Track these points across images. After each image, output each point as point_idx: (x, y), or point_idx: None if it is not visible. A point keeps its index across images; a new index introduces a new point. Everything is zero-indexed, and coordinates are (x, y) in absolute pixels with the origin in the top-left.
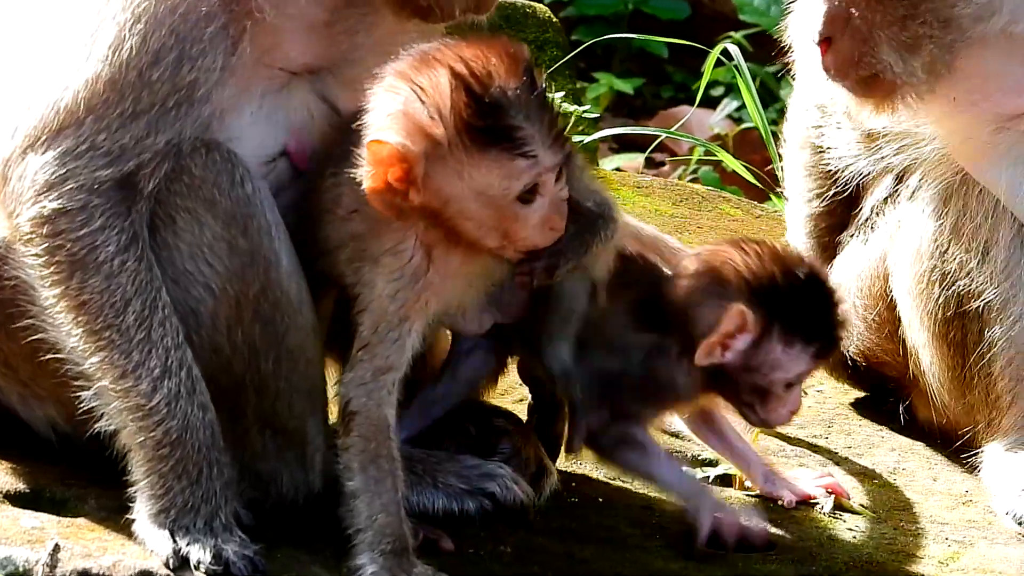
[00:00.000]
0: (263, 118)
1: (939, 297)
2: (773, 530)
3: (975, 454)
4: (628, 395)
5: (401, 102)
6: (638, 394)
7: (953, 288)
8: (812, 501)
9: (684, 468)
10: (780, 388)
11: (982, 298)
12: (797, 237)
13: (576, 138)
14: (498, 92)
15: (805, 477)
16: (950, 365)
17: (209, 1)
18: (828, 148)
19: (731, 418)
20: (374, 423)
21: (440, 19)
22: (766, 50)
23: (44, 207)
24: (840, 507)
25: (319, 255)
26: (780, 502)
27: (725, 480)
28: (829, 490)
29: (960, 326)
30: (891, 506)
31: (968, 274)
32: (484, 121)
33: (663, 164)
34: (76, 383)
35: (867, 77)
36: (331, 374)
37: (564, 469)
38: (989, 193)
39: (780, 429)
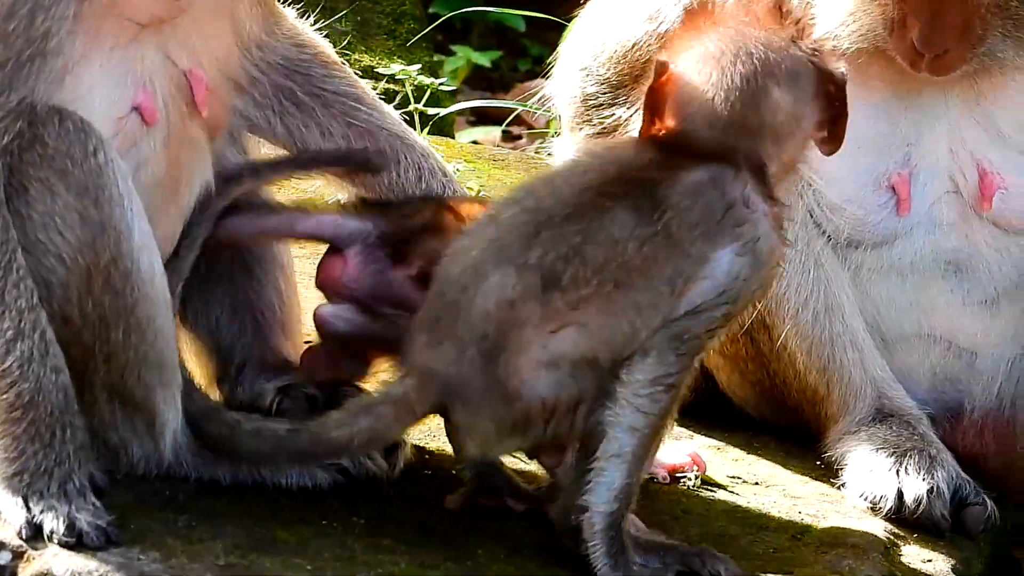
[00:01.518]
0: (113, 71)
1: None
2: None
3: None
4: None
5: None
6: None
7: None
8: (679, 474)
9: None
10: None
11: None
12: None
13: (432, 111)
14: None
15: (668, 449)
16: (755, 380)
17: None
18: None
19: None
20: None
21: None
22: None
23: None
24: (704, 481)
25: None
26: (655, 478)
27: None
28: (693, 462)
29: (750, 340)
30: (745, 480)
31: None
32: None
33: (520, 137)
34: None
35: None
36: (184, 347)
37: (418, 443)
38: None
39: None
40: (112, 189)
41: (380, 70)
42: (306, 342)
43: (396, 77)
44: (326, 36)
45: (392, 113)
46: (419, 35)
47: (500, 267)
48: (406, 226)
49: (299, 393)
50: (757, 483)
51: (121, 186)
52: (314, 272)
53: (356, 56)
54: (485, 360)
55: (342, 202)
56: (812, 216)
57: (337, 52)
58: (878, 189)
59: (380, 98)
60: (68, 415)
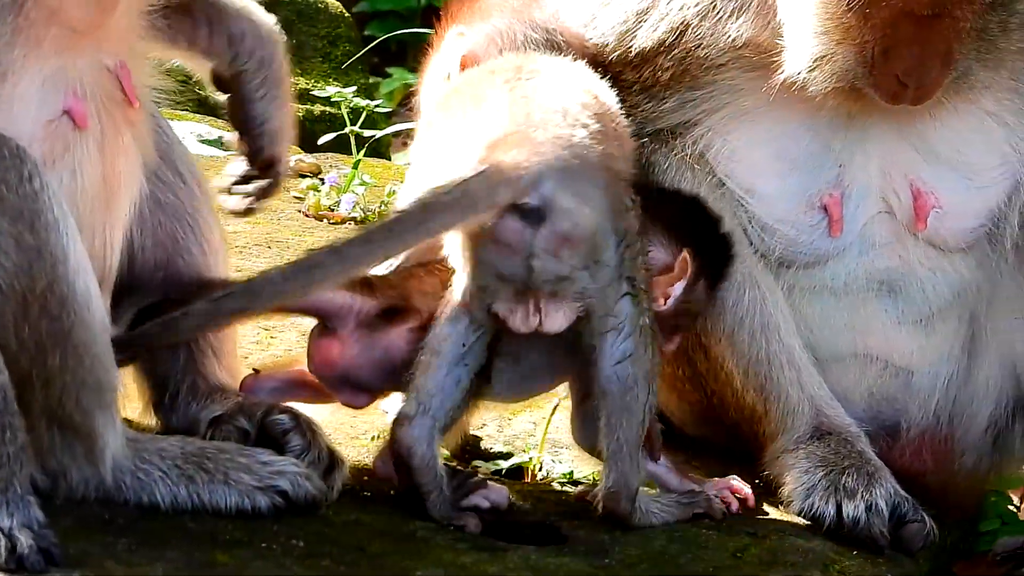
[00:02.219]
0: (48, 78)
1: None
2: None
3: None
4: None
5: None
6: None
7: None
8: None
9: None
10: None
11: (697, 325)
12: None
13: (369, 133)
14: None
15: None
16: (693, 400)
17: None
18: None
19: None
20: None
21: None
22: None
23: None
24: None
25: None
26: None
27: (516, 473)
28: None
29: (687, 360)
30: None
31: None
32: None
33: None
34: None
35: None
36: (125, 371)
37: (356, 464)
38: None
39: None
40: (47, 214)
41: (316, 92)
42: (254, 369)
43: (332, 99)
44: None
45: None
46: (354, 57)
47: None
48: (395, 295)
49: (231, 426)
50: None
51: (56, 211)
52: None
53: (292, 79)
54: None
55: None
56: (746, 234)
57: None
58: (810, 210)
59: (317, 121)
60: (7, 415)
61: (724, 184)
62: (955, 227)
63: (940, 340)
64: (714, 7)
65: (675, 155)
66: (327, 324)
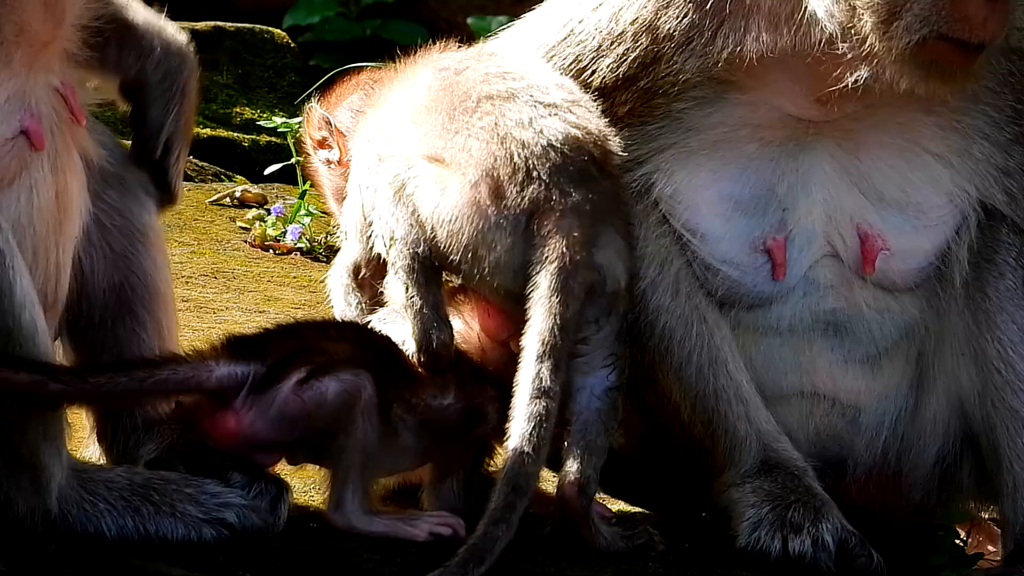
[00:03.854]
0: (10, 97)
1: None
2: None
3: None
4: None
5: None
6: None
7: None
8: None
9: None
10: None
11: (644, 356)
12: None
13: None
14: None
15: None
16: (640, 434)
17: None
18: None
19: None
20: None
21: None
22: None
23: None
24: None
25: None
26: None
27: None
28: None
29: (635, 394)
30: (634, 531)
31: None
32: None
33: None
34: None
35: None
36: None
37: (302, 499)
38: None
39: None
40: None
41: (262, 123)
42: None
43: (278, 130)
44: (207, 90)
45: None
46: (301, 88)
47: None
48: (282, 351)
49: (167, 467)
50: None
51: (1, 243)
52: (194, 324)
53: (238, 109)
54: None
55: (208, 347)
56: (692, 269)
57: (217, 106)
58: (753, 252)
59: (263, 151)
60: None
61: (667, 221)
62: (903, 268)
63: (887, 378)
64: (695, 32)
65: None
66: (218, 398)
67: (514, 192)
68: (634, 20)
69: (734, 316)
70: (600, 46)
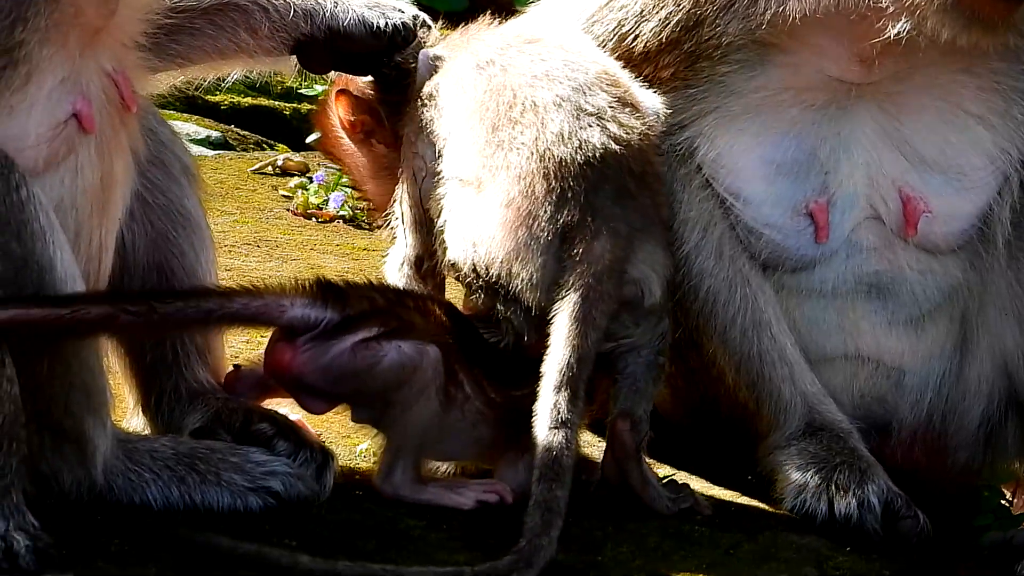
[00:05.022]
0: (65, 79)
1: None
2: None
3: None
4: None
5: None
6: None
7: None
8: None
9: None
10: None
11: (688, 320)
12: None
13: None
14: None
15: None
16: (686, 398)
17: None
18: None
19: None
20: None
21: None
22: None
23: None
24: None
25: None
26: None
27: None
28: None
29: (680, 358)
30: (680, 495)
31: None
32: None
33: None
34: None
35: None
36: (111, 369)
37: (348, 466)
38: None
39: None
40: (34, 224)
41: (304, 91)
42: (235, 365)
43: (320, 98)
44: None
45: None
46: None
47: None
48: (365, 307)
49: (212, 437)
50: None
51: (43, 220)
52: (238, 281)
53: (279, 78)
54: None
55: (294, 284)
56: (735, 233)
57: (257, 77)
58: (796, 216)
59: (305, 120)
60: (17, 426)
61: (711, 185)
62: (946, 230)
63: (931, 340)
64: None
65: (667, 156)
66: (288, 333)
67: (548, 211)
68: None
69: (777, 279)
70: (642, 11)
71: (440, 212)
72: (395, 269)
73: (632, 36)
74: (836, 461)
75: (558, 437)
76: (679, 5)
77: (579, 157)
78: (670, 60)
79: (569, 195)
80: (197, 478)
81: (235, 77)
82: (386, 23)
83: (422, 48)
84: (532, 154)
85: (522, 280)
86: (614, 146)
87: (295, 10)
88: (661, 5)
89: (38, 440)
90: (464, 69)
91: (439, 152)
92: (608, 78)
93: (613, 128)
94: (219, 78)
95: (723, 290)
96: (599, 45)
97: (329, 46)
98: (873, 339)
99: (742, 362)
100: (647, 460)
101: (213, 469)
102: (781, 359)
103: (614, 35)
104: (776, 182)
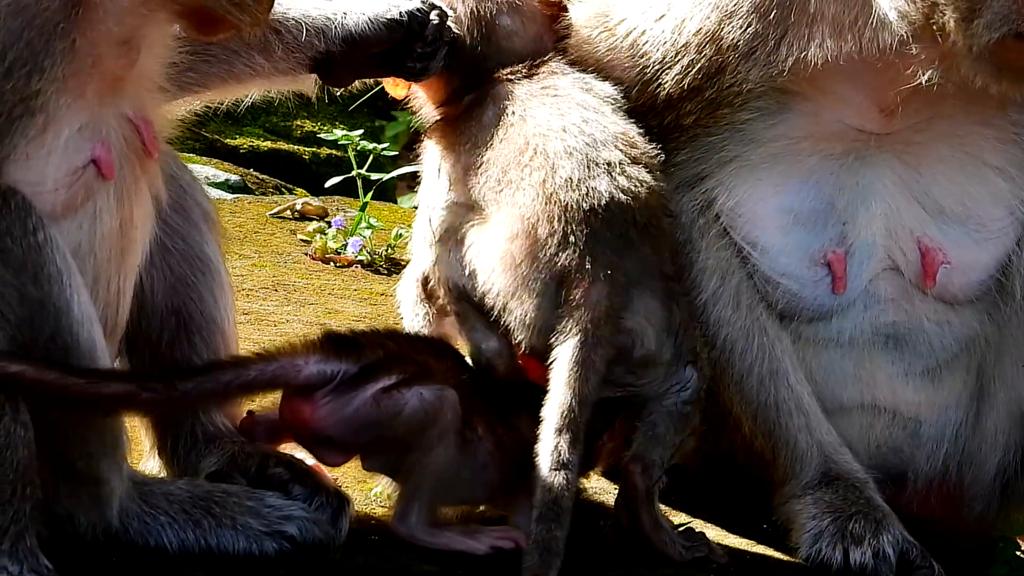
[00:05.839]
0: (83, 126)
1: None
2: None
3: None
4: None
5: None
6: None
7: None
8: None
9: None
10: None
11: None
12: None
13: (375, 176)
14: None
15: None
16: (702, 446)
17: (54, 11)
18: None
19: None
20: None
21: (222, 32)
22: None
23: None
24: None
25: None
26: None
27: None
28: None
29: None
30: (695, 543)
31: None
32: None
33: None
34: None
35: None
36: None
37: (363, 511)
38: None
39: None
40: (51, 267)
41: (323, 136)
42: (249, 411)
43: (339, 143)
44: (268, 103)
45: None
46: (360, 100)
47: None
48: (379, 355)
49: (228, 480)
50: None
51: (60, 263)
52: (254, 337)
53: (298, 122)
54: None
55: (305, 342)
56: (753, 282)
57: (278, 119)
58: (813, 266)
59: (323, 164)
60: (30, 472)
61: (728, 235)
62: (964, 281)
63: (947, 391)
64: (759, 41)
65: (686, 206)
66: (300, 389)
67: (548, 254)
68: (698, 31)
69: (794, 329)
70: (664, 58)
71: (446, 235)
72: (406, 288)
73: (655, 84)
74: (852, 511)
75: (559, 479)
76: (701, 52)
77: (584, 204)
78: (692, 107)
79: (571, 239)
80: (213, 521)
81: (252, 99)
82: (399, 12)
83: (441, 35)
84: (539, 195)
85: (516, 318)
86: (621, 196)
87: (307, 29)
88: (683, 53)
89: (53, 483)
90: (484, 104)
91: (453, 179)
92: (625, 139)
93: (622, 180)
94: (237, 101)
95: (740, 339)
96: (624, 91)
97: (348, 57)
98: (890, 390)
99: (759, 411)
100: (663, 507)
101: (229, 513)
102: (798, 408)
103: (637, 82)
104: (794, 232)
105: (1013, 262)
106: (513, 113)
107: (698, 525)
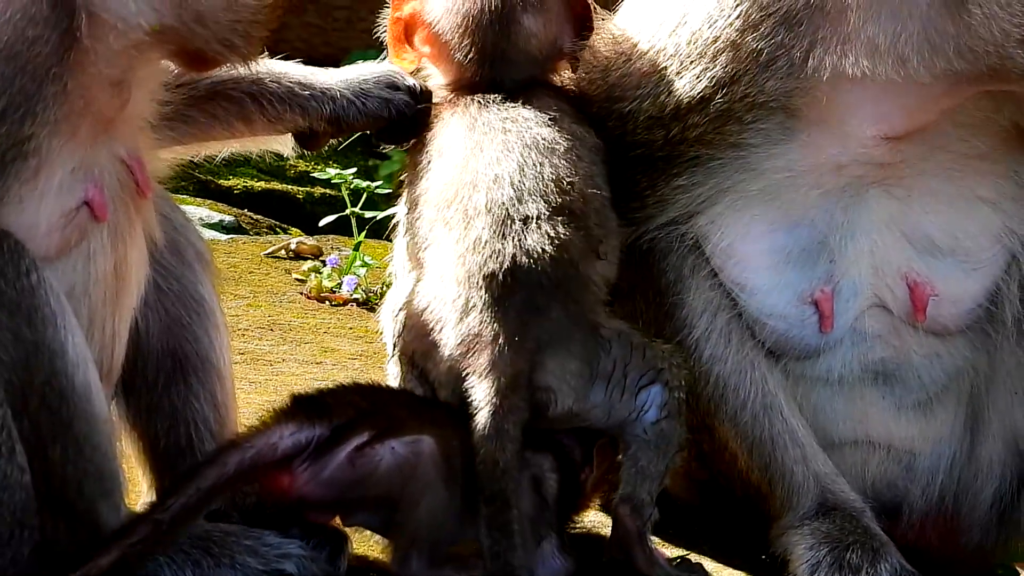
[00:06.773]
0: (75, 169)
1: None
2: None
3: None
4: None
5: None
6: None
7: None
8: None
9: None
10: None
11: (700, 404)
12: None
13: (370, 214)
14: None
15: None
16: (699, 480)
17: (46, 55)
18: None
19: None
20: None
21: (212, 68)
22: None
23: None
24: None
25: None
26: None
27: None
28: None
29: (692, 441)
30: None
31: None
32: None
33: None
34: None
35: None
36: (124, 453)
37: (361, 547)
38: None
39: None
40: (44, 309)
41: (317, 175)
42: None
43: (332, 181)
44: None
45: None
46: (351, 138)
47: None
48: (348, 420)
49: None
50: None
51: (54, 304)
52: (251, 376)
53: (291, 162)
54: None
55: (275, 414)
56: (743, 319)
57: (272, 159)
58: (801, 305)
59: (317, 203)
60: (29, 515)
61: (716, 276)
62: (953, 312)
63: (940, 422)
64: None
65: (676, 244)
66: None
67: (454, 320)
68: (715, 38)
69: (784, 366)
70: (678, 65)
71: (400, 265)
72: (387, 314)
73: (665, 92)
74: (849, 540)
75: (494, 544)
76: (715, 61)
77: (487, 268)
78: (699, 119)
79: (473, 304)
80: (211, 561)
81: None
82: (390, 112)
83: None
84: (452, 256)
85: (435, 375)
86: (525, 260)
87: (290, 105)
88: (697, 61)
89: (52, 524)
90: (445, 131)
91: (404, 223)
92: (558, 186)
93: (531, 240)
94: (226, 158)
95: (733, 375)
96: (633, 99)
97: (329, 135)
98: (882, 425)
99: (754, 445)
100: (659, 540)
101: (227, 552)
102: (792, 441)
103: (648, 91)
104: (783, 271)
105: (1002, 289)
106: (464, 148)
107: (695, 557)
